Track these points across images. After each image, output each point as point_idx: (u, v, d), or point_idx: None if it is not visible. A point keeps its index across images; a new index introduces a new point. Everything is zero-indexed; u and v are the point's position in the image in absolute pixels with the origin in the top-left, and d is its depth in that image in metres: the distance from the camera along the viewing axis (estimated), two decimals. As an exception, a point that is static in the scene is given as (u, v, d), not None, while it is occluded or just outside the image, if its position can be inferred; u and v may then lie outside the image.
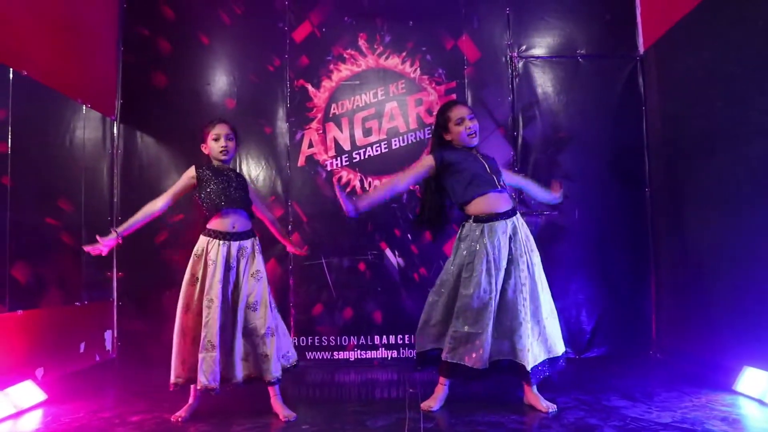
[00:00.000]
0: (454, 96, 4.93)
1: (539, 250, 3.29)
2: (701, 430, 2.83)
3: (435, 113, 4.83)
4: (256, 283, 3.30)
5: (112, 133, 4.90)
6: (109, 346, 4.75)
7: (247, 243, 3.35)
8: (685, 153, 4.31)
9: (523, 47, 5.02)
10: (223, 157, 3.39)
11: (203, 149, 3.45)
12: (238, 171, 3.66)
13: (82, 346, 4.39)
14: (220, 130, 3.40)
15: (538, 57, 5.01)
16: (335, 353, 4.84)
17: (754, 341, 3.52)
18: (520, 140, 4.93)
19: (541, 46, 5.03)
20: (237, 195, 3.37)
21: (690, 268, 4.28)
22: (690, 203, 4.27)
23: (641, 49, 4.94)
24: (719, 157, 3.85)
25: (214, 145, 3.39)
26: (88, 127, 4.53)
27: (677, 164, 4.46)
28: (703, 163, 4.05)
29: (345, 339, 4.85)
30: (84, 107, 4.48)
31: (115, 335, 4.82)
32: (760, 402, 3.32)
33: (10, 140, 3.60)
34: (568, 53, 5.00)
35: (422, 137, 4.92)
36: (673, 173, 4.54)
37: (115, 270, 4.85)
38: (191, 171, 3.40)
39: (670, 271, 4.61)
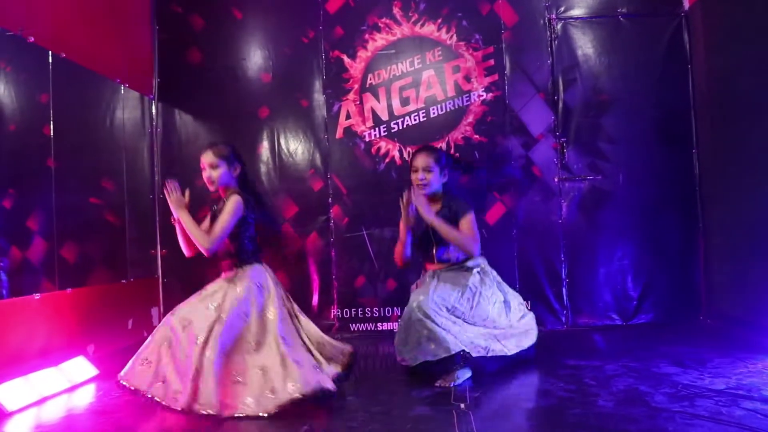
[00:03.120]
0: (492, 62, 4.82)
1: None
2: (758, 396, 2.74)
3: (473, 79, 4.75)
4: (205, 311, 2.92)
5: (151, 111, 4.93)
6: (156, 322, 4.81)
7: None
8: (735, 113, 4.16)
9: (562, 8, 4.86)
10: (211, 189, 3.05)
11: None
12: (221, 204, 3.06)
13: (130, 322, 4.48)
14: (203, 159, 3.02)
15: (577, 18, 4.85)
16: (378, 324, 4.85)
17: (811, 304, 3.41)
18: (560, 104, 4.81)
19: (580, 6, 4.86)
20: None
21: (741, 231, 4.15)
22: (740, 164, 4.12)
23: (686, 5, 4.74)
24: (772, 114, 3.70)
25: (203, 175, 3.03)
26: (127, 106, 4.56)
27: (726, 124, 4.31)
28: (754, 123, 3.89)
29: (388, 310, 4.85)
30: (122, 87, 4.51)
31: (162, 312, 4.89)
32: (819, 366, 3.22)
33: (52, 123, 3.65)
34: (609, 13, 4.82)
35: (461, 104, 4.83)
36: (721, 134, 4.39)
37: (159, 247, 4.92)
38: None
39: (720, 234, 4.48)
